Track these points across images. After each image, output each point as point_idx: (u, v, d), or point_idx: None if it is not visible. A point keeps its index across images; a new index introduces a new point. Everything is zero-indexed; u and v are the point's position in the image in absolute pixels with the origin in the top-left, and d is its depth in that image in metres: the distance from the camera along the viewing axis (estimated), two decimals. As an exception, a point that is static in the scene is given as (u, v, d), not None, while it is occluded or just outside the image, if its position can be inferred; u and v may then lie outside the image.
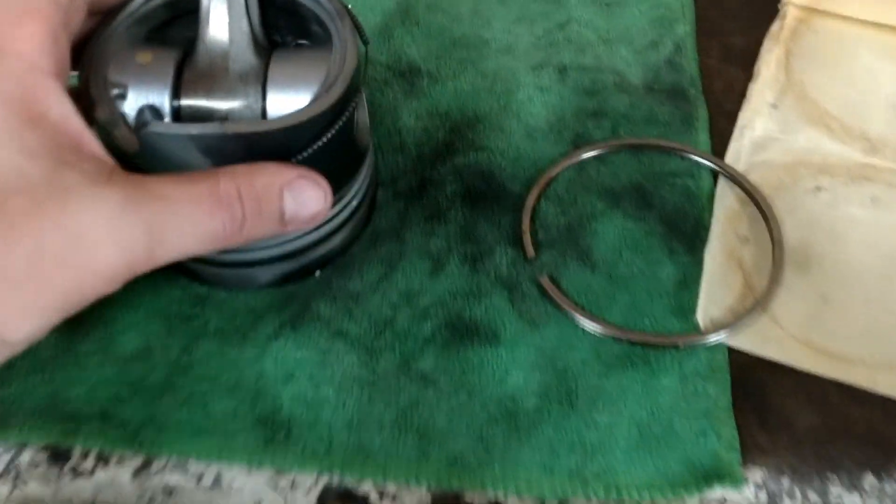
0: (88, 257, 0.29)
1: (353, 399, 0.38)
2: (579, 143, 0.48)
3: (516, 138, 0.49)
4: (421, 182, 0.46)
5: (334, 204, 0.40)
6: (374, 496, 0.37)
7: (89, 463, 0.37)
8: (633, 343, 0.40)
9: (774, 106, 0.51)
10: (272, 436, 0.37)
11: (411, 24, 0.55)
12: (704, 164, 0.48)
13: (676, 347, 0.40)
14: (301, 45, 0.41)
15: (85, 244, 0.29)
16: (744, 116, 0.50)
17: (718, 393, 0.38)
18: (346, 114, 0.36)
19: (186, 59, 0.38)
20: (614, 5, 0.57)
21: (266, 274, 0.41)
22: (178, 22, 0.41)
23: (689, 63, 0.53)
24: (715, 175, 0.47)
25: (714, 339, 0.40)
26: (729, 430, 0.37)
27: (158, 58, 0.38)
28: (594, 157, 0.48)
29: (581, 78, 0.52)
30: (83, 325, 0.40)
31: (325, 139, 0.36)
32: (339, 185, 0.39)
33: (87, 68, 0.35)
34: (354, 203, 0.42)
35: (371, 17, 0.56)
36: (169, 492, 0.37)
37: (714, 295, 0.42)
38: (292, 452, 0.36)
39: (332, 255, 0.42)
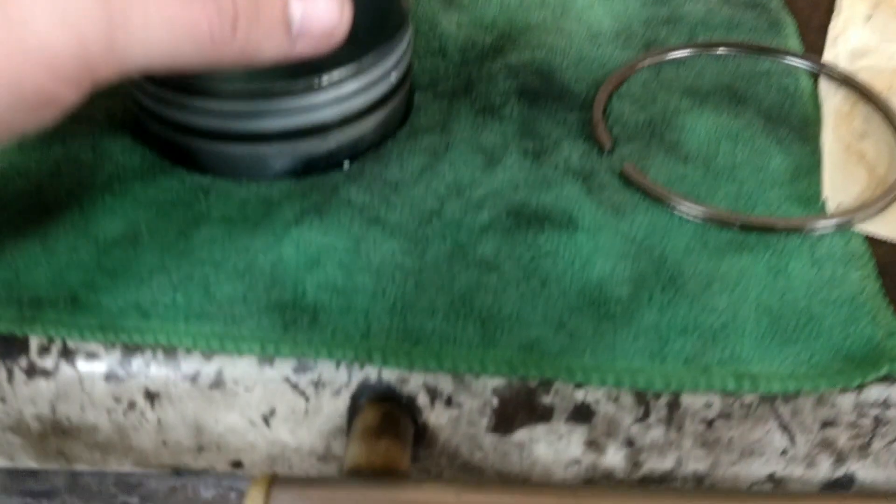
0: (30, 38, 0.23)
1: (394, 286, 0.31)
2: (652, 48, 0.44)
3: (578, 40, 0.44)
4: (467, 82, 0.41)
5: (370, 69, 0.34)
6: (422, 398, 0.29)
7: (50, 360, 0.30)
8: (747, 229, 0.34)
9: (869, 17, 0.47)
10: (293, 320, 0.30)
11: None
12: (802, 66, 0.43)
13: (801, 232, 0.33)
14: None
15: (23, 21, 0.23)
16: (835, 27, 0.46)
17: (864, 278, 0.32)
18: None
19: None
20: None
21: (282, 158, 0.35)
22: None
23: (767, -18, 0.49)
24: (815, 77, 0.42)
25: (847, 223, 0.34)
26: (886, 316, 0.30)
27: None
28: (671, 61, 0.43)
29: (647, -10, 0.48)
30: (54, 208, 0.34)
31: None
32: (376, 41, 0.34)
33: None
34: (393, 78, 0.36)
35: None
36: (153, 396, 0.30)
37: (838, 183, 0.36)
38: (319, 336, 0.29)
39: (362, 144, 0.37)
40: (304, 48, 0.29)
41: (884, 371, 0.28)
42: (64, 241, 0.33)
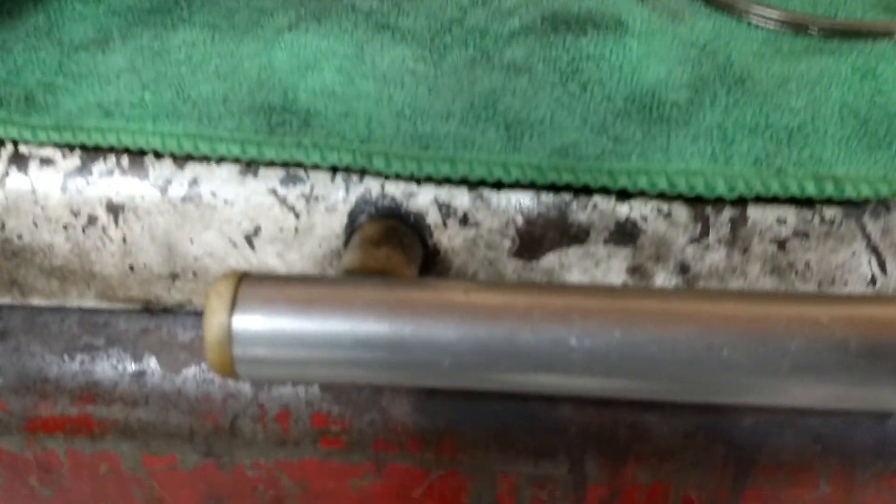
0: None
1: (403, 92, 0.27)
2: None
3: None
4: None
5: None
6: (433, 215, 0.26)
7: (-1, 166, 0.26)
8: (827, 34, 0.29)
9: None
10: (281, 122, 0.26)
11: None
12: None
13: (891, 37, 0.29)
14: None
15: None
16: None
17: (976, 83, 0.27)
18: None
19: None
20: None
21: (281, -39, 0.31)
22: None
23: None
24: None
25: (955, 26, 0.29)
26: None
27: None
28: None
29: None
30: (18, 13, 0.30)
31: None
32: None
33: None
34: None
35: None
36: (116, 209, 0.26)
37: (941, -9, 0.31)
38: (311, 139, 0.26)
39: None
40: None
41: None
42: (24, 43, 0.29)
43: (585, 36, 0.29)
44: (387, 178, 0.26)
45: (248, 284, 0.21)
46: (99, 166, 0.27)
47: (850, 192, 0.24)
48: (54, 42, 0.29)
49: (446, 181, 0.26)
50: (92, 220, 0.27)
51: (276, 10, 0.31)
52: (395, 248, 0.24)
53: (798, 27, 0.29)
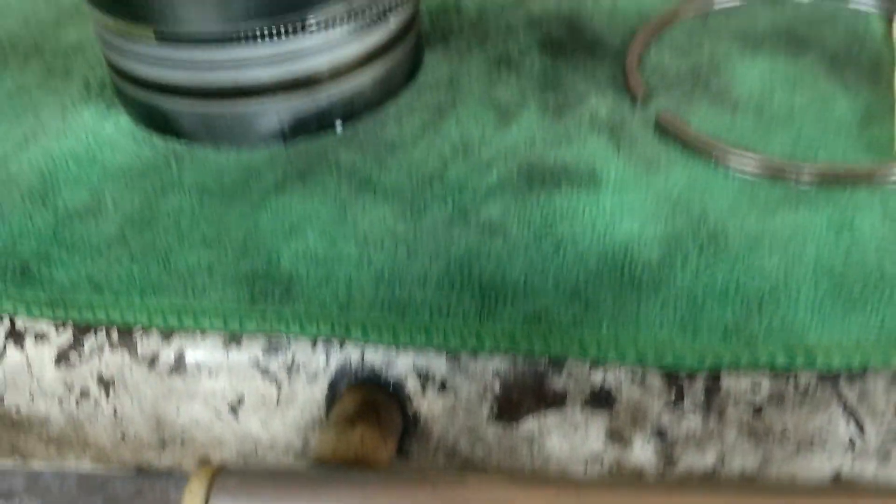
0: None
1: (382, 254, 0.28)
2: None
3: (611, -11, 0.40)
4: (483, 35, 0.38)
5: (363, 9, 0.31)
6: (412, 382, 0.26)
7: (-6, 341, 0.27)
8: (805, 180, 0.29)
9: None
10: (263, 291, 0.27)
11: None
12: (873, 10, 0.38)
13: (871, 182, 0.29)
14: None
15: None
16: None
17: (952, 234, 0.27)
18: None
19: None
20: None
21: (266, 117, 0.32)
22: None
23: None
24: (889, 21, 0.38)
25: (931, 170, 0.29)
26: (980, 277, 0.25)
27: None
28: (721, 10, 0.39)
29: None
30: (15, 179, 0.32)
31: None
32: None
33: None
34: (392, 24, 0.33)
35: None
36: (107, 383, 0.27)
37: (919, 128, 0.31)
38: (291, 309, 0.26)
39: (359, 102, 0.34)
40: None
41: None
42: (20, 210, 0.30)
43: (559, 191, 0.30)
44: (366, 344, 0.26)
45: (220, 484, 0.21)
46: (90, 340, 0.27)
47: (821, 362, 0.24)
48: (49, 208, 0.30)
49: (423, 346, 0.26)
50: (84, 393, 0.27)
51: (263, 169, 0.32)
52: (370, 427, 0.24)
53: (775, 174, 0.30)
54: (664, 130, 0.32)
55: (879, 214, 0.28)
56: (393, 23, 0.33)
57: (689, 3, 0.39)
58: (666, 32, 0.38)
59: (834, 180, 0.29)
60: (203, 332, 0.27)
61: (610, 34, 0.38)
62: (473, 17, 0.40)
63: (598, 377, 0.25)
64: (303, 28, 0.30)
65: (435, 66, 0.37)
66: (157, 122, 0.33)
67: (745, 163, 0.30)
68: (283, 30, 0.30)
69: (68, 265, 0.28)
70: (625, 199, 0.29)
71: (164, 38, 0.30)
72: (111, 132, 0.34)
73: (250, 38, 0.30)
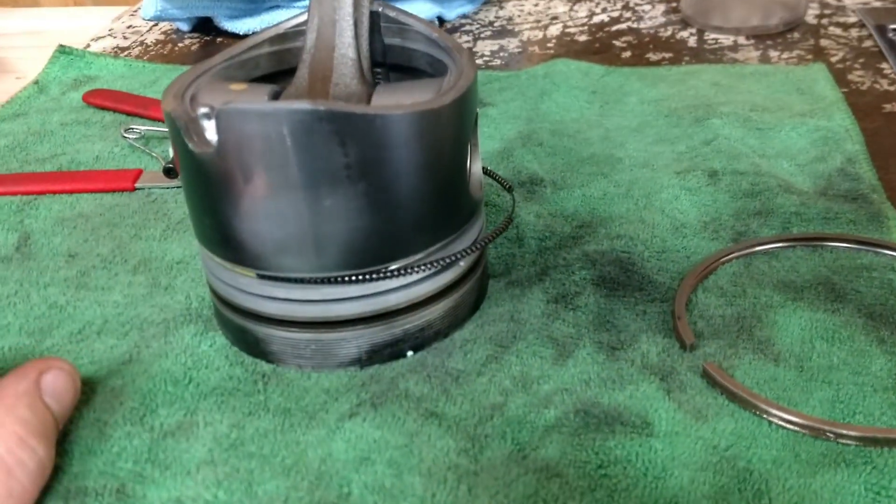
0: None
1: (445, 490, 0.29)
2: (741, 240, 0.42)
3: (661, 231, 0.43)
4: (542, 270, 0.41)
5: (438, 256, 0.34)
6: None
7: (87, 555, 0.29)
8: (844, 440, 0.30)
9: None
10: (333, 525, 0.28)
11: (533, 144, 0.53)
12: (907, 260, 0.40)
13: (911, 446, 0.30)
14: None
15: None
16: (949, 219, 0.43)
17: None
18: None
19: (283, 92, 0.36)
20: (767, 130, 0.53)
21: (346, 346, 0.35)
22: (281, 76, 0.40)
23: (866, 173, 0.48)
24: (924, 272, 0.39)
25: (967, 437, 0.30)
26: None
27: (253, 88, 0.36)
28: (763, 252, 0.41)
29: (737, 181, 0.47)
30: (118, 397, 0.34)
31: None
32: (442, 224, 0.34)
33: (176, 91, 0.34)
34: (462, 264, 0.36)
35: (490, 144, 0.54)
36: None
37: (954, 390, 0.32)
38: (358, 547, 0.27)
39: (429, 332, 0.36)
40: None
41: None
42: (121, 430, 0.32)
43: (614, 437, 0.31)
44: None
45: None
46: (172, 560, 0.29)
47: None
48: (146, 427, 0.32)
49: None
50: None
51: (341, 393, 0.34)
52: None
53: (816, 432, 0.31)
54: (710, 380, 0.33)
55: (918, 481, 0.28)
56: (463, 264, 0.36)
57: (733, 247, 0.41)
58: (712, 276, 0.40)
59: (872, 442, 0.30)
60: (277, 559, 0.28)
61: (660, 275, 0.40)
62: (534, 249, 0.42)
63: None
64: (385, 275, 0.33)
65: (498, 297, 0.39)
66: (249, 344, 0.36)
67: (787, 419, 0.31)
68: (368, 277, 0.33)
69: (160, 485, 0.30)
70: (675, 449, 0.30)
71: (264, 277, 0.33)
72: (207, 350, 0.36)
73: (340, 281, 0.33)
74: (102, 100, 0.61)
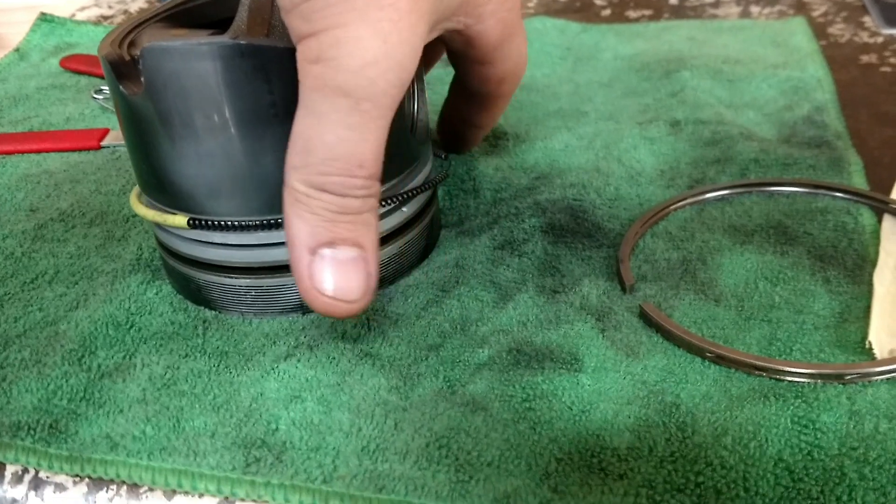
0: None
1: (372, 425, 0.29)
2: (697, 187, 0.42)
3: (616, 179, 0.43)
4: (494, 219, 0.40)
5: (381, 200, 0.34)
6: (386, 553, 0.27)
7: (21, 489, 0.29)
8: (776, 376, 0.30)
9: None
10: (256, 459, 0.28)
11: (501, 99, 0.52)
12: (865, 203, 0.39)
13: (842, 380, 0.29)
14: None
15: None
16: (913, 163, 0.42)
17: (916, 436, 0.27)
18: None
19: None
20: (737, 81, 0.52)
21: (287, 292, 0.35)
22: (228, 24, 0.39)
23: (833, 121, 0.47)
24: (879, 215, 0.39)
25: (900, 371, 0.29)
26: (941, 482, 0.25)
27: (193, 33, 0.36)
28: (717, 199, 0.41)
29: (699, 130, 0.46)
30: (57, 340, 0.34)
31: None
32: (389, 174, 0.34)
33: (115, 37, 0.34)
34: (406, 210, 0.36)
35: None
36: (110, 535, 0.28)
37: (894, 328, 0.32)
38: (277, 479, 0.27)
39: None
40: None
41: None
42: (59, 370, 0.33)
43: (543, 372, 0.31)
44: (346, 515, 0.27)
45: None
46: (101, 495, 0.29)
47: (772, 561, 0.24)
48: (84, 368, 0.33)
49: (398, 521, 0.27)
50: (90, 542, 0.29)
51: (279, 338, 0.34)
52: None
53: (749, 368, 0.30)
54: (647, 320, 0.33)
55: (846, 414, 0.28)
56: (407, 210, 0.36)
57: (686, 193, 0.40)
58: (662, 221, 0.39)
59: (804, 377, 0.29)
60: (201, 494, 0.28)
61: (610, 222, 0.40)
62: (489, 200, 0.42)
63: (561, 560, 0.26)
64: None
65: (447, 246, 0.39)
66: (193, 292, 0.36)
67: (720, 355, 0.31)
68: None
69: (93, 422, 0.30)
70: (603, 384, 0.30)
71: (200, 222, 0.33)
72: (152, 297, 0.36)
73: (275, 225, 0.33)
74: (78, 64, 0.62)
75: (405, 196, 0.35)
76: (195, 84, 0.30)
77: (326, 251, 0.28)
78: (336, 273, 0.28)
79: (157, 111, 0.31)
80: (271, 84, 0.30)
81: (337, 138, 0.27)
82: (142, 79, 0.30)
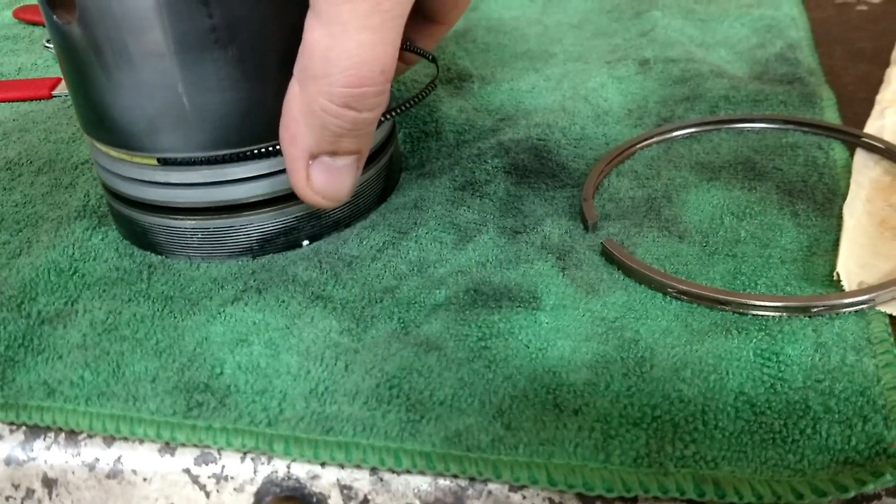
0: None
1: (321, 367, 0.28)
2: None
3: (582, 118, 0.41)
4: (456, 161, 0.39)
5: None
6: (335, 497, 0.25)
7: (-49, 439, 0.28)
8: (740, 310, 0.28)
9: (926, 88, 0.41)
10: (199, 403, 0.27)
11: (467, 41, 0.51)
12: (837, 138, 0.38)
13: (807, 313, 0.28)
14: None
15: None
16: (884, 98, 0.41)
17: (881, 367, 0.26)
18: None
19: None
20: (709, 20, 0.51)
21: (235, 234, 0.33)
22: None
23: (807, 58, 0.45)
24: (851, 150, 0.37)
25: (868, 302, 0.28)
26: (904, 413, 0.24)
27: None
28: (686, 136, 0.39)
29: (668, 69, 0.45)
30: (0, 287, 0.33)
31: None
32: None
33: None
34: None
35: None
36: (50, 483, 0.27)
37: (865, 259, 0.30)
38: (220, 423, 0.26)
39: (327, 221, 0.34)
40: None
41: (887, 479, 0.22)
42: (-2, 316, 0.31)
43: (500, 311, 0.29)
44: (293, 459, 0.26)
45: None
46: (38, 443, 0.27)
47: (731, 496, 0.23)
48: (23, 314, 0.31)
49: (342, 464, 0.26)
50: (29, 492, 0.28)
51: (227, 281, 0.32)
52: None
53: (711, 302, 0.29)
54: (609, 257, 0.32)
55: (811, 345, 0.27)
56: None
57: (653, 131, 0.39)
58: (628, 160, 0.38)
59: (768, 310, 0.28)
60: (141, 440, 0.27)
61: (575, 161, 0.38)
62: (451, 143, 0.41)
63: (515, 498, 0.25)
64: (270, 152, 0.31)
65: (408, 188, 0.37)
66: (138, 235, 0.34)
67: (682, 289, 0.29)
68: (250, 154, 0.31)
69: (30, 369, 0.29)
70: (561, 321, 0.29)
71: (140, 159, 0.31)
72: (97, 243, 0.35)
73: (219, 161, 0.31)
74: (32, 15, 0.59)
75: (399, 110, 0.33)
76: (130, 8, 0.28)
77: (327, 158, 0.29)
78: (332, 177, 0.30)
79: (90, 39, 0.29)
80: (210, 6, 0.28)
81: (358, 44, 0.26)
82: (75, 4, 0.29)
